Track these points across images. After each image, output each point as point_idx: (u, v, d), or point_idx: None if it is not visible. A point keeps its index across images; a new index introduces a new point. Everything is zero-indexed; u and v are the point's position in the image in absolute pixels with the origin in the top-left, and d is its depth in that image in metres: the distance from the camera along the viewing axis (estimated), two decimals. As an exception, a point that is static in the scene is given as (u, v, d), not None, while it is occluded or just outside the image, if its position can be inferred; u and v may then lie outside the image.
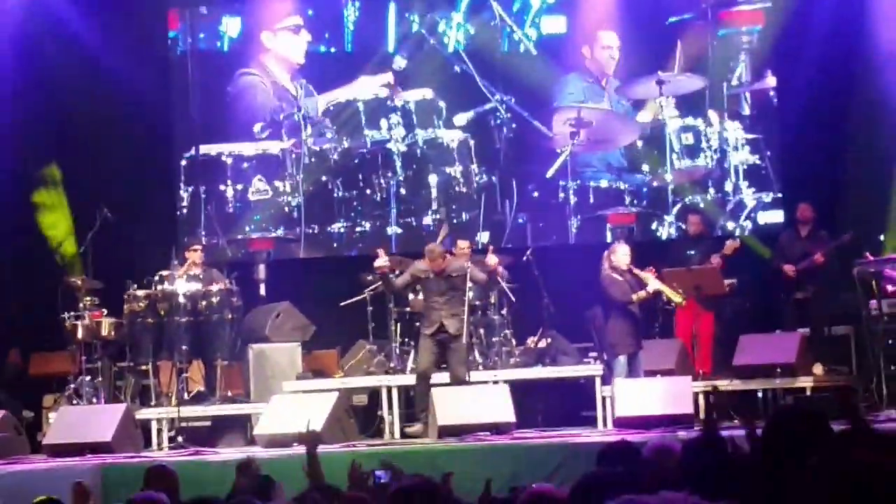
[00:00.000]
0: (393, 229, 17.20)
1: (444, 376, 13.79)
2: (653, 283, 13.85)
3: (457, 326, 13.55)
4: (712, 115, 17.06)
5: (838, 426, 5.06)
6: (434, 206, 17.23)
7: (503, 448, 12.24)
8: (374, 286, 14.86)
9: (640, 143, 17.21)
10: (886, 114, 15.36)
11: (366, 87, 17.42)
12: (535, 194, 17.33)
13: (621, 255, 13.98)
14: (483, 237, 16.59)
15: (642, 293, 13.80)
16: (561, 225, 17.18)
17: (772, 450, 5.18)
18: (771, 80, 17.02)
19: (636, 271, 13.86)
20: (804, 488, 2.50)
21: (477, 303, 14.57)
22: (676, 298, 14.05)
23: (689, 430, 11.77)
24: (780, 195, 16.80)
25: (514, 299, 14.83)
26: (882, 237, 14.50)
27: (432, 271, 13.72)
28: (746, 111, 17.15)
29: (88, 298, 14.80)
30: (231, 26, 17.90)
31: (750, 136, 17.04)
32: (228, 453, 12.73)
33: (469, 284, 13.62)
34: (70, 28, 16.90)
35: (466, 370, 13.75)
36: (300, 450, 11.63)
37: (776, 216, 16.73)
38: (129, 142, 16.92)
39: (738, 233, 16.16)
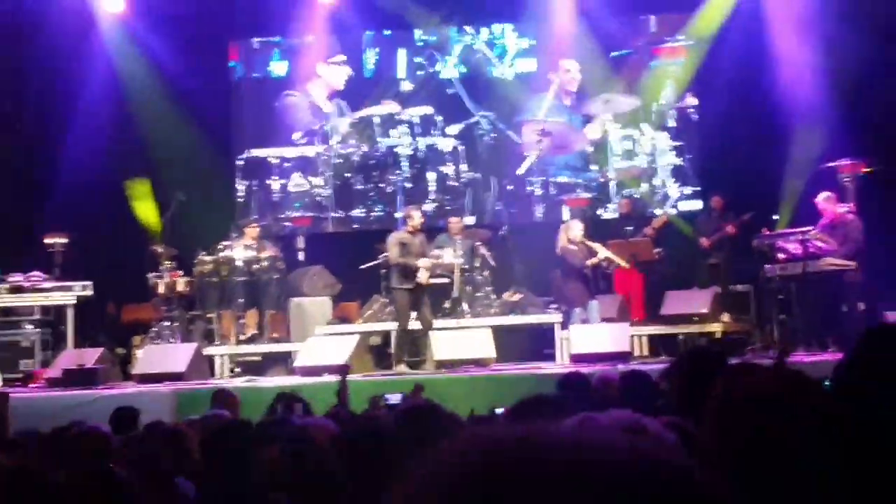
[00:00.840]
0: (399, 214, 16.84)
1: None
2: (602, 252, 13.76)
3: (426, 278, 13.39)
4: (645, 127, 16.98)
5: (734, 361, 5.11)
6: (431, 196, 17.05)
7: (485, 378, 12.14)
8: (385, 254, 14.63)
9: (590, 148, 17.08)
10: (778, 125, 15.29)
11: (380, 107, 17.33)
12: (509, 187, 17.22)
13: (576, 229, 13.90)
14: (469, 220, 16.45)
15: (594, 259, 13.71)
16: (528, 210, 17.06)
17: (681, 380, 5.21)
18: (691, 100, 16.99)
19: (588, 242, 13.76)
20: (702, 408, 2.46)
21: (465, 267, 14.42)
22: (621, 263, 13.95)
23: (626, 364, 11.66)
24: (698, 188, 16.73)
25: (493, 264, 14.72)
26: (775, 217, 14.46)
27: (411, 235, 13.51)
28: (671, 124, 17.07)
29: (168, 262, 14.70)
30: (276, 67, 17.90)
31: (674, 144, 16.96)
32: (273, 380, 12.71)
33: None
34: (154, 57, 16.79)
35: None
36: (329, 378, 11.64)
37: (694, 205, 16.62)
38: (198, 145, 16.79)
39: (664, 216, 16.02)
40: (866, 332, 2.60)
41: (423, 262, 13.37)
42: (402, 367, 13.22)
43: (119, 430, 7.25)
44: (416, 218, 13.68)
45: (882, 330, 2.62)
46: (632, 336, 13.32)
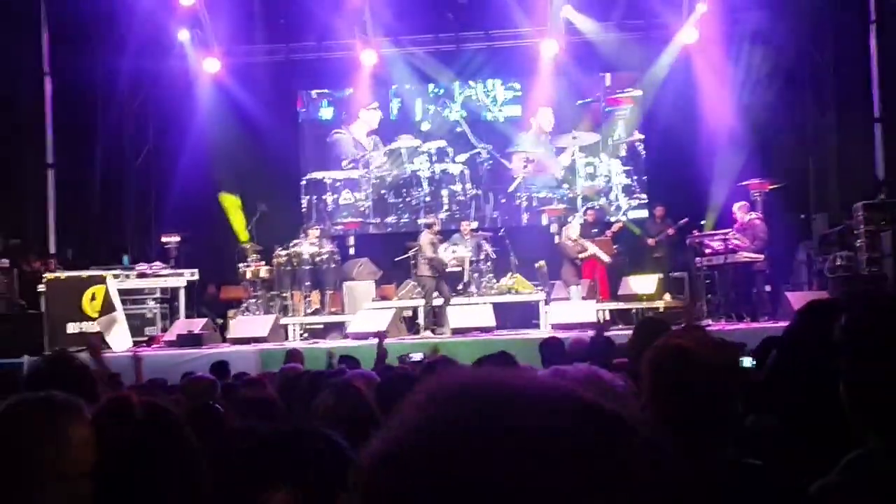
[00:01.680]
0: (421, 220, 16.72)
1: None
2: (591, 248, 13.65)
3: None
4: (603, 156, 16.90)
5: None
6: (445, 208, 16.97)
7: (488, 341, 11.99)
8: (414, 250, 14.59)
9: (561, 173, 16.97)
10: (705, 151, 15.23)
11: (405, 142, 17.18)
12: (503, 200, 17.13)
13: (574, 229, 13.81)
14: (473, 224, 16.28)
15: (585, 253, 13.59)
16: (517, 217, 16.96)
17: (636, 340, 5.15)
18: (638, 136, 16.90)
19: (581, 240, 13.64)
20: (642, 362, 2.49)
21: (473, 259, 14.30)
22: (604, 258, 13.78)
23: (592, 331, 11.54)
24: (643, 201, 16.68)
25: (493, 256, 14.62)
26: (703, 221, 14.37)
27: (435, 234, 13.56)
28: (623, 153, 16.98)
29: (253, 255, 14.61)
30: (325, 112, 17.71)
31: (625, 168, 16.88)
32: (332, 343, 12.51)
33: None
34: (241, 103, 16.64)
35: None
36: (373, 341, 11.50)
37: (641, 213, 16.57)
38: (274, 169, 16.68)
39: (617, 222, 15.88)
40: (806, 306, 2.42)
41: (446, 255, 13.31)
42: (428, 333, 13.13)
43: (217, 378, 7.16)
44: (437, 224, 13.74)
45: (816, 305, 2.43)
46: (597, 311, 13.21)
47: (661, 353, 2.41)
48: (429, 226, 13.97)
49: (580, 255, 13.58)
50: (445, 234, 14.62)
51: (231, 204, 16.17)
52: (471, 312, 13.21)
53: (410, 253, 14.72)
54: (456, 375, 1.00)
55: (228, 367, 8.44)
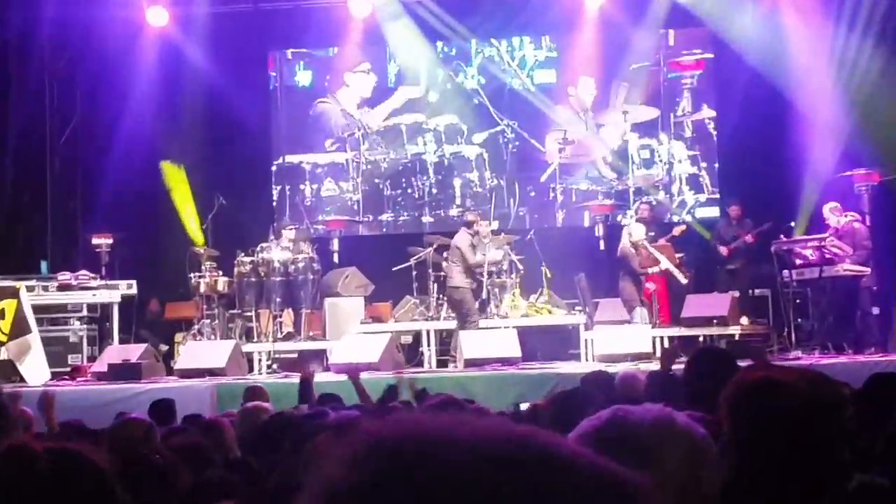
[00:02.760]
0: (426, 218, 17.00)
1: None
2: (664, 262, 13.58)
3: None
4: (663, 136, 16.87)
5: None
6: (457, 202, 16.96)
7: (511, 375, 12.04)
8: (418, 256, 14.64)
9: (609, 158, 16.93)
10: (794, 134, 15.11)
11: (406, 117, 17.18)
12: (532, 193, 17.11)
13: (638, 233, 13.72)
14: (494, 224, 16.26)
15: (655, 269, 13.56)
16: (551, 215, 16.92)
17: (693, 378, 5.21)
18: (708, 112, 16.84)
19: (651, 249, 13.58)
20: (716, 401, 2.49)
21: (493, 269, 14.25)
22: (681, 279, 13.70)
23: (649, 363, 11.59)
24: (714, 196, 16.64)
25: (520, 268, 14.56)
26: (793, 224, 14.27)
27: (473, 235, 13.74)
28: (688, 134, 16.94)
29: (209, 263, 14.63)
30: (302, 76, 17.73)
31: (690, 153, 16.85)
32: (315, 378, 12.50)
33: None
34: (197, 65, 16.66)
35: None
36: (367, 375, 11.50)
37: (711, 211, 16.52)
38: (237, 150, 16.68)
39: (682, 223, 15.84)
40: None
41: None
42: (426, 366, 13.41)
43: (157, 423, 7.16)
44: (483, 225, 13.98)
45: None
46: (654, 337, 13.14)
47: (743, 389, 2.38)
48: (468, 224, 14.08)
49: (649, 269, 13.58)
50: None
51: (177, 180, 16.21)
52: (489, 339, 13.19)
53: (413, 261, 14.66)
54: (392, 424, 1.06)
55: (174, 408, 8.47)
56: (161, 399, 8.78)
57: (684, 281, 13.76)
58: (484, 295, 13.82)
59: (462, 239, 13.82)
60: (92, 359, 13.76)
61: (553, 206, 16.87)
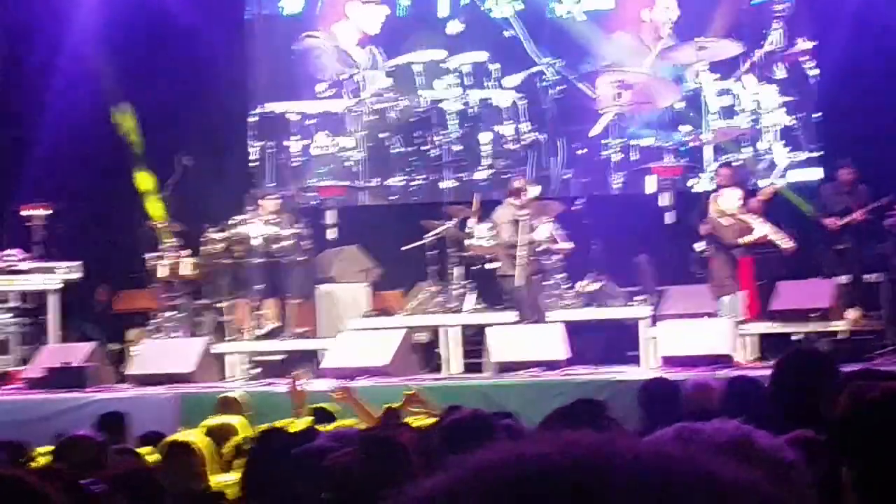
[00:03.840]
0: (446, 183, 16.95)
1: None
2: (760, 228, 13.65)
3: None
4: (748, 79, 16.86)
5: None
6: (485, 162, 16.94)
7: (554, 383, 12.11)
8: (436, 231, 14.70)
9: (679, 105, 16.94)
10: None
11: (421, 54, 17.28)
12: (581, 151, 17.15)
13: (731, 199, 13.76)
14: (533, 191, 16.28)
15: (749, 237, 13.63)
16: (604, 179, 16.95)
17: (782, 386, 5.29)
18: (804, 45, 16.83)
19: (742, 216, 13.65)
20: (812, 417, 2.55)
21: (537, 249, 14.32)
22: (785, 244, 13.75)
23: (728, 369, 11.68)
24: (813, 154, 16.67)
25: (567, 245, 14.61)
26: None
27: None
28: (780, 75, 16.95)
29: (170, 240, 14.76)
30: (289, 4, 17.94)
31: (784, 99, 16.85)
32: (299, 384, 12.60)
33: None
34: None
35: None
36: (365, 382, 11.62)
37: (811, 174, 16.56)
38: (205, 97, 16.80)
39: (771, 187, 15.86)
40: None
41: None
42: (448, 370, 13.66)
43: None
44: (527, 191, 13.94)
45: None
46: (736, 336, 13.27)
47: (861, 407, 2.44)
48: (515, 192, 14.15)
49: (743, 240, 13.64)
50: (484, 207, 14.76)
51: (135, 157, 16.34)
52: (527, 338, 13.30)
53: (429, 237, 14.76)
54: (510, 453, 1.09)
55: (123, 422, 8.60)
56: (110, 412, 8.91)
57: (789, 247, 13.77)
58: (519, 281, 13.81)
59: (503, 214, 13.94)
60: (24, 362, 13.90)
61: (607, 167, 16.91)
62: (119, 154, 16.37)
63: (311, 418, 8.21)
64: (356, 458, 4.71)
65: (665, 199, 15.42)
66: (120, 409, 9.49)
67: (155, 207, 15.71)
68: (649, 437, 2.45)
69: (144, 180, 16.26)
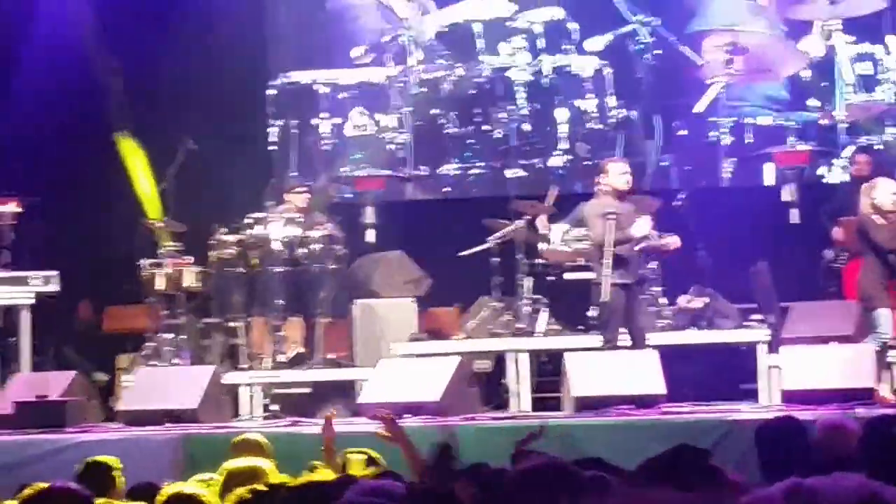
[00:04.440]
0: (513, 172, 16.97)
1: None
2: None
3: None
4: (892, 40, 16.76)
5: None
6: (562, 145, 16.91)
7: (650, 424, 12.17)
8: (502, 233, 14.66)
9: (806, 74, 16.94)
10: None
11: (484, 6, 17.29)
12: (683, 132, 17.22)
13: (887, 192, 13.63)
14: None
15: None
16: (712, 167, 16.97)
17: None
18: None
19: None
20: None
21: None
22: None
23: (870, 407, 11.68)
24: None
25: (666, 248, 14.51)
26: None
27: (618, 202, 13.52)
28: (935, 36, 16.88)
29: (170, 244, 14.88)
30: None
31: (939, 66, 16.79)
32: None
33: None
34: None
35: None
36: (412, 422, 11.62)
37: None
38: (214, 67, 16.85)
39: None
40: None
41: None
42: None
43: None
44: (618, 174, 13.61)
45: None
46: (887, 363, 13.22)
47: None
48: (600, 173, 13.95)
49: None
50: (564, 203, 14.80)
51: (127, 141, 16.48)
52: (616, 367, 13.23)
53: (493, 241, 14.71)
54: None
55: (112, 471, 8.57)
56: (96, 461, 8.83)
57: None
58: (605, 297, 13.76)
59: (589, 206, 13.80)
60: None
61: (716, 152, 16.92)
62: (107, 142, 16.50)
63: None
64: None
65: (788, 193, 15.44)
66: (108, 454, 9.46)
67: (152, 203, 15.88)
68: (754, 496, 2.55)
69: (130, 148, 16.37)
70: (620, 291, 13.30)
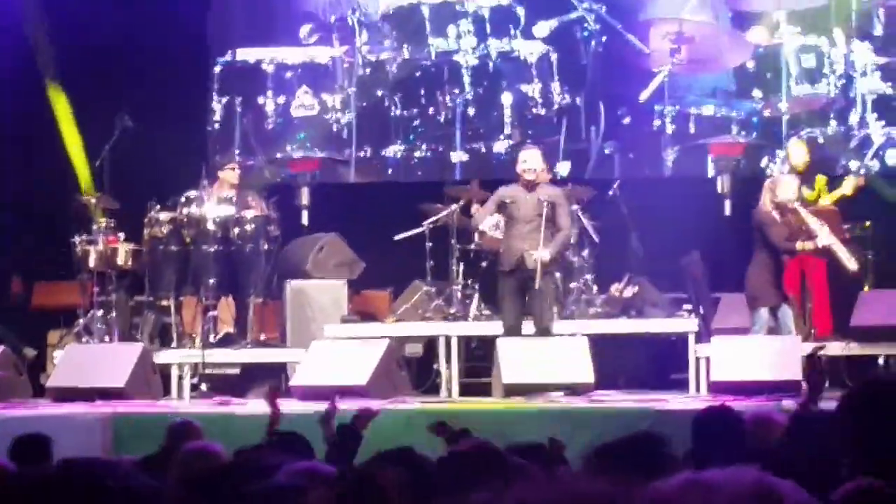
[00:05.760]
0: (458, 155, 17.08)
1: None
2: (824, 237, 13.62)
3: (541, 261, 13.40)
4: (838, 33, 16.81)
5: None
6: (506, 130, 17.02)
7: (580, 412, 12.22)
8: (434, 218, 14.84)
9: (751, 65, 16.96)
10: None
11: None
12: (626, 120, 17.23)
13: (788, 189, 13.83)
14: (563, 168, 16.37)
15: (809, 244, 13.65)
16: (654, 156, 17.05)
17: (856, 424, 5.18)
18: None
19: (805, 214, 13.68)
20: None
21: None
22: (849, 264, 13.80)
23: (797, 399, 11.69)
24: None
25: (596, 239, 14.80)
26: None
27: (523, 189, 13.60)
28: (878, 31, 16.88)
29: (103, 220, 14.84)
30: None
31: (881, 61, 16.77)
32: (259, 405, 12.22)
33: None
34: None
35: (551, 317, 13.68)
36: (344, 404, 11.73)
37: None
38: (157, 42, 16.75)
39: (862, 172, 15.87)
40: None
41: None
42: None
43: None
44: (533, 162, 13.75)
45: None
46: (804, 356, 13.24)
47: None
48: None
49: (798, 246, 13.67)
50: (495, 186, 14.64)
51: (61, 110, 16.42)
52: (545, 354, 13.35)
53: (427, 225, 14.92)
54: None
55: (49, 447, 8.59)
56: (29, 434, 8.78)
57: (853, 268, 13.84)
58: (536, 284, 13.85)
59: (499, 192, 13.96)
60: None
61: (658, 142, 17.00)
62: (40, 111, 16.44)
63: None
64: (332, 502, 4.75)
65: (722, 185, 15.64)
66: (36, 430, 9.43)
67: (85, 178, 15.86)
68: (651, 489, 2.51)
69: (60, 100, 16.41)
70: (509, 279, 13.54)
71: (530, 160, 13.76)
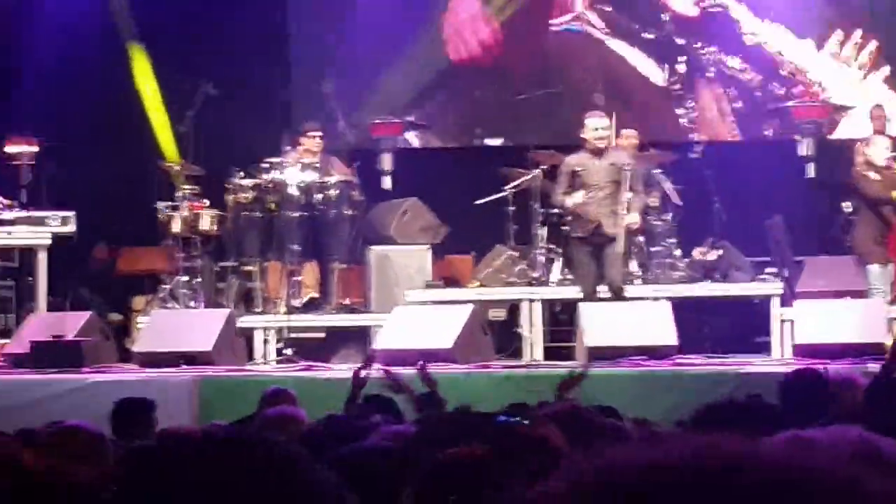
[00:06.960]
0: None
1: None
2: None
3: (615, 227, 13.55)
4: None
5: None
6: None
7: (662, 375, 12.32)
8: (517, 183, 14.89)
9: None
10: None
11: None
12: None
13: (880, 148, 13.91)
14: (632, 135, 16.23)
15: None
16: (738, 118, 17.11)
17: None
18: None
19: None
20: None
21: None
22: None
23: (881, 362, 11.81)
24: None
25: (679, 203, 14.84)
26: None
27: (590, 156, 13.72)
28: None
29: (187, 187, 14.94)
30: None
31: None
32: (343, 370, 12.54)
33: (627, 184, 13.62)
34: None
35: (623, 281, 13.80)
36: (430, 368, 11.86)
37: None
38: (238, 13, 17.00)
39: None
40: None
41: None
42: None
43: (123, 436, 7.53)
44: (591, 129, 13.81)
45: None
46: (893, 320, 13.35)
47: None
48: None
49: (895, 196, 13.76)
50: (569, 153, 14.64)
51: (144, 80, 16.63)
52: (628, 318, 13.44)
53: (509, 190, 14.99)
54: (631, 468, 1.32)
55: (151, 415, 8.66)
56: (129, 399, 8.94)
57: None
58: (620, 247, 13.96)
59: (567, 161, 14.02)
60: (6, 333, 14.23)
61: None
62: (125, 84, 16.59)
63: None
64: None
65: (805, 148, 15.55)
66: (124, 394, 9.40)
67: (169, 145, 16.04)
68: (759, 445, 2.66)
69: (142, 63, 16.58)
70: (584, 246, 13.70)
71: (602, 127, 13.87)
